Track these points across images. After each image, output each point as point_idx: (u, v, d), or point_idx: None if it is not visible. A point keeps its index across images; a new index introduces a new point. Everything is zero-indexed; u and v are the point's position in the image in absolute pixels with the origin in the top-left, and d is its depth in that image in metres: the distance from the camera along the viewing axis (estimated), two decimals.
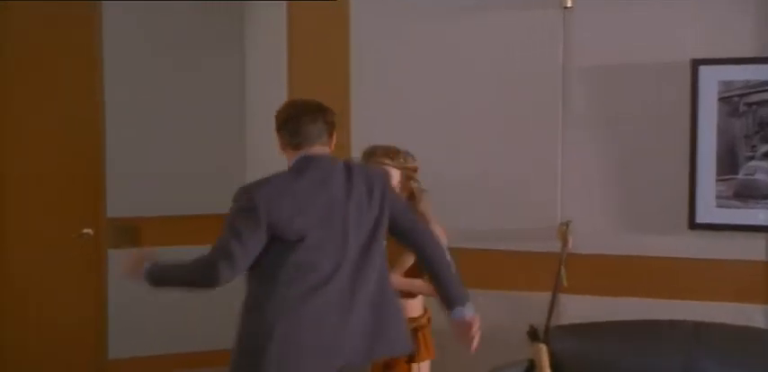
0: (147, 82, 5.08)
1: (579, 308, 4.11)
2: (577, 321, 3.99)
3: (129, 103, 5.07)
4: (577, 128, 4.17)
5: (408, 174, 3.49)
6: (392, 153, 3.49)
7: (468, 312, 3.17)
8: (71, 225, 5.08)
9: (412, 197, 3.49)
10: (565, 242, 3.97)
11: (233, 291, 3.21)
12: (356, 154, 3.85)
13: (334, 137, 3.11)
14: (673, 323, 3.85)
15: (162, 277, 3.07)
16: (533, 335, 3.81)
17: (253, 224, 2.94)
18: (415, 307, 3.59)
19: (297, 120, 3.06)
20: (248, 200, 2.96)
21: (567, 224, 4.01)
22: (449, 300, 3.16)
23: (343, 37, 4.54)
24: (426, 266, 3.19)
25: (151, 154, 5.08)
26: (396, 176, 3.47)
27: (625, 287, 4.10)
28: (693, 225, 4.04)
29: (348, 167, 3.09)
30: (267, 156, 4.85)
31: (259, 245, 2.96)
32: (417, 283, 3.52)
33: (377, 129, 4.33)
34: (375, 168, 3.24)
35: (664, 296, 4.04)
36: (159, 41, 5.11)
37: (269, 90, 4.94)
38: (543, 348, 3.76)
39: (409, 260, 3.50)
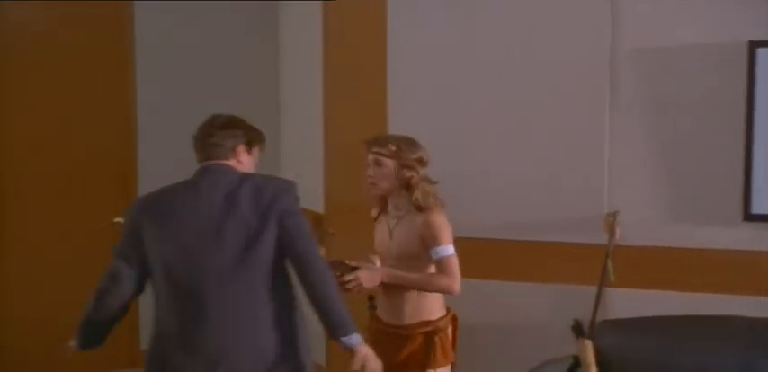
0: (178, 81, 5.13)
1: (626, 302, 4.03)
2: (624, 316, 3.90)
3: (161, 102, 5.11)
4: (626, 114, 4.06)
5: (405, 164, 3.49)
6: (386, 141, 3.50)
7: (355, 342, 3.06)
8: (104, 216, 5.10)
9: (408, 187, 3.51)
10: (612, 233, 3.90)
11: None
12: None
13: (252, 150, 3.25)
14: (726, 319, 3.73)
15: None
16: (578, 330, 3.73)
17: (127, 233, 3.14)
18: (428, 309, 3.51)
19: (200, 138, 3.24)
20: (128, 210, 3.18)
21: (614, 214, 3.93)
22: (331, 329, 3.05)
23: (379, 33, 4.49)
24: (308, 293, 3.06)
25: (183, 151, 5.06)
26: (388, 165, 3.50)
27: (675, 280, 4.00)
28: (748, 216, 3.90)
29: (242, 182, 3.13)
30: (301, 156, 5.20)
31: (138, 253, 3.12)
32: (412, 276, 3.49)
33: (415, 123, 4.26)
34: (281, 185, 3.16)
35: (716, 290, 3.94)
36: (191, 41, 5.16)
37: (303, 89, 4.96)
38: (589, 344, 3.68)
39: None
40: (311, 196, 5.08)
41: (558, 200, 4.16)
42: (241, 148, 3.22)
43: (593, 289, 3.85)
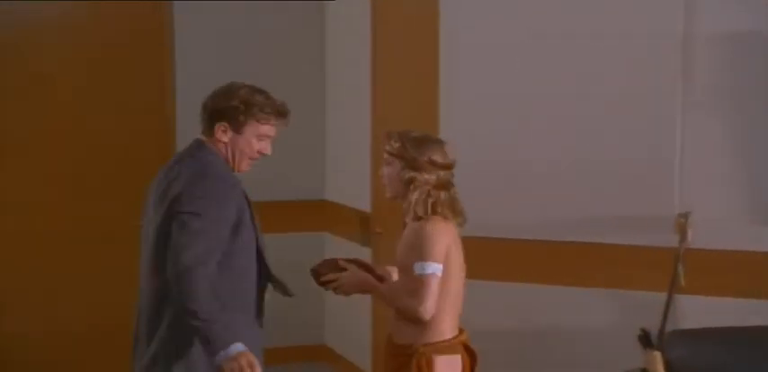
0: (219, 82, 5.07)
1: (699, 311, 3.89)
2: (696, 325, 3.76)
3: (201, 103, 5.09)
4: (700, 106, 3.92)
5: (410, 164, 3.19)
6: (394, 138, 3.23)
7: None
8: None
9: (405, 186, 3.22)
10: (683, 235, 3.75)
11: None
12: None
13: (218, 127, 3.09)
14: None
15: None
16: (646, 341, 3.58)
17: None
18: (436, 328, 3.16)
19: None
20: None
21: (685, 215, 3.78)
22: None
23: (431, 27, 4.42)
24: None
25: None
26: (395, 165, 3.22)
27: (751, 286, 3.84)
28: None
29: (176, 164, 3.11)
30: (348, 155, 5.22)
31: None
32: (381, 288, 3.23)
33: (468, 121, 4.26)
34: (192, 164, 3.06)
35: None
36: (232, 41, 5.23)
37: (351, 88, 4.98)
38: (657, 355, 3.53)
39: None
40: (358, 195, 5.09)
41: (624, 199, 4.05)
42: (220, 126, 3.09)
43: (661, 296, 3.72)
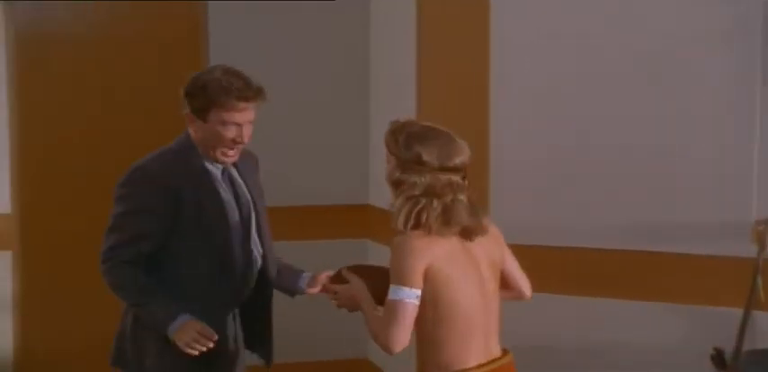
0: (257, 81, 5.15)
1: None
2: None
3: None
4: None
5: (398, 163, 2.74)
6: (389, 133, 2.80)
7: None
8: None
9: (393, 190, 2.79)
10: (762, 245, 3.59)
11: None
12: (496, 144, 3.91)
13: (186, 116, 3.03)
14: None
15: None
16: (719, 361, 3.47)
17: None
18: (452, 355, 2.74)
19: None
20: None
21: (764, 222, 3.62)
22: None
23: (481, 22, 4.31)
24: None
25: (269, 152, 5.12)
26: (389, 161, 2.78)
27: None
28: None
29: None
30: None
31: None
32: (363, 307, 2.89)
33: (523, 121, 4.13)
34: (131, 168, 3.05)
35: None
36: (270, 42, 5.17)
37: (395, 87, 4.94)
38: None
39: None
40: None
41: (695, 204, 3.89)
42: (187, 115, 3.01)
43: (737, 312, 3.58)
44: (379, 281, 2.80)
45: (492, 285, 2.78)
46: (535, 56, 4.18)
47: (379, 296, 2.76)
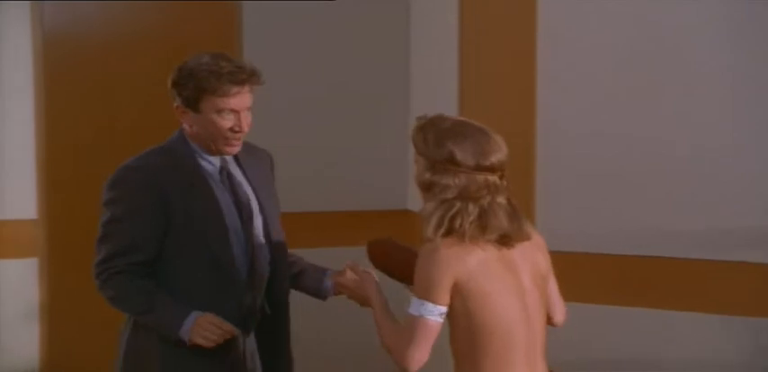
0: (290, 87, 5.08)
1: None
2: None
3: (271, 107, 4.95)
4: None
5: (427, 163, 2.50)
6: (417, 130, 2.56)
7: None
8: None
9: (424, 193, 2.55)
10: None
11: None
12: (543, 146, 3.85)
13: (176, 109, 2.87)
14: None
15: None
16: None
17: None
18: None
19: None
20: None
21: None
22: None
23: (527, 16, 4.23)
24: None
25: (286, 157, 5.13)
26: (418, 161, 2.53)
27: None
28: None
29: None
30: None
31: None
32: (377, 312, 2.66)
33: (574, 122, 4.03)
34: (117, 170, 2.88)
35: None
36: (306, 43, 5.09)
37: (436, 89, 4.87)
38: None
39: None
40: None
41: (749, 208, 3.72)
42: (177, 107, 2.83)
43: None
44: (401, 260, 2.66)
45: (535, 296, 2.53)
46: (585, 52, 4.04)
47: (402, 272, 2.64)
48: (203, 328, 2.67)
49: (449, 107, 4.61)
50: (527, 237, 2.51)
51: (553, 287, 2.65)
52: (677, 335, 3.84)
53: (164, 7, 4.95)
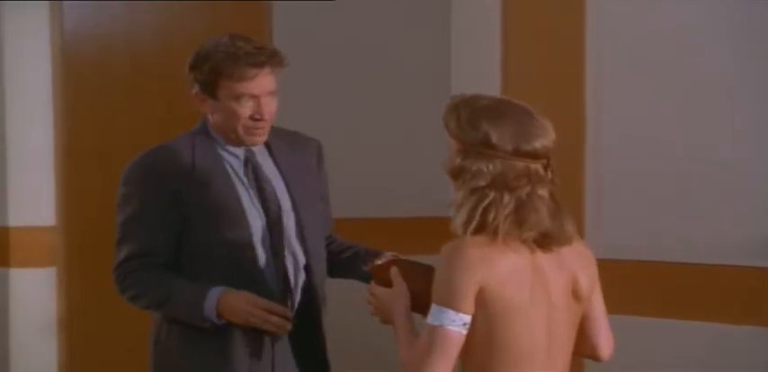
0: (322, 83, 5.09)
1: None
2: None
3: (303, 110, 4.91)
4: None
5: (461, 147, 2.21)
6: (449, 109, 2.25)
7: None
8: None
9: (455, 176, 2.24)
10: None
11: None
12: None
13: (194, 96, 2.71)
14: None
15: None
16: None
17: None
18: None
19: None
20: None
21: None
22: None
23: (576, 10, 4.14)
24: None
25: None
26: (451, 146, 2.25)
27: None
28: None
29: None
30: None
31: None
32: (398, 325, 2.31)
33: (622, 122, 3.91)
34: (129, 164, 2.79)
35: None
36: (339, 44, 5.04)
37: (478, 84, 4.60)
38: None
39: None
40: None
41: None
42: (195, 94, 2.67)
43: None
44: (423, 281, 2.24)
45: (562, 316, 2.21)
46: (638, 45, 3.92)
47: (421, 300, 2.21)
48: (239, 307, 2.50)
49: None
50: (569, 240, 2.19)
51: (599, 312, 2.31)
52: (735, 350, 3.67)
53: (190, 6, 4.91)
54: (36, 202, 4.57)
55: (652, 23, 3.95)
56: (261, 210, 2.61)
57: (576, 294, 2.21)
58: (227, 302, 2.50)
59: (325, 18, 4.93)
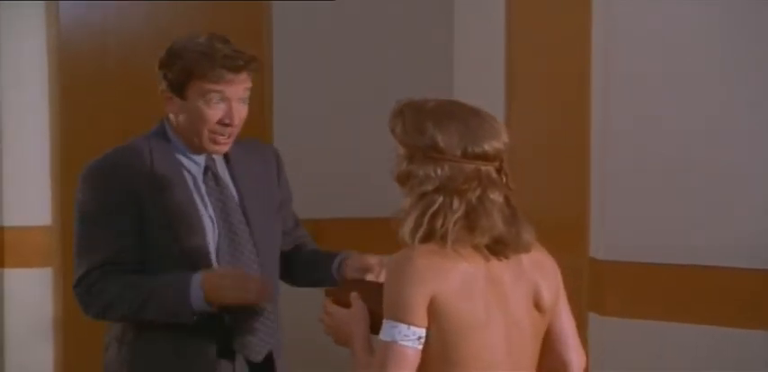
0: (321, 84, 5.05)
1: None
2: None
3: (308, 111, 5.01)
4: None
5: (406, 152, 2.14)
6: (393, 114, 2.22)
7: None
8: None
9: (403, 182, 2.16)
10: None
11: None
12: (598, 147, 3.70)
13: (161, 94, 2.60)
14: None
15: None
16: None
17: None
18: None
19: None
20: None
21: None
22: None
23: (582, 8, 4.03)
24: None
25: (316, 159, 5.01)
26: (399, 152, 2.17)
27: None
28: None
29: None
30: None
31: None
32: (355, 346, 2.19)
33: (637, 122, 3.75)
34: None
35: None
36: (339, 44, 5.00)
37: (482, 90, 4.65)
38: None
39: None
40: None
41: None
42: (164, 94, 2.54)
43: None
44: (376, 301, 2.10)
45: (523, 329, 2.10)
46: (645, 42, 3.81)
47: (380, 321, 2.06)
48: (224, 283, 2.35)
49: (494, 107, 4.48)
50: (525, 248, 2.09)
51: (567, 325, 2.19)
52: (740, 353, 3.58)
53: (189, 6, 4.89)
54: (31, 202, 4.53)
55: (659, 21, 3.87)
56: (216, 221, 2.50)
57: (537, 305, 2.11)
58: (211, 281, 2.36)
59: (325, 18, 4.90)
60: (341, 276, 2.55)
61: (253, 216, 2.54)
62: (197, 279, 2.36)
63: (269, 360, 2.56)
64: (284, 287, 2.81)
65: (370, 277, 2.48)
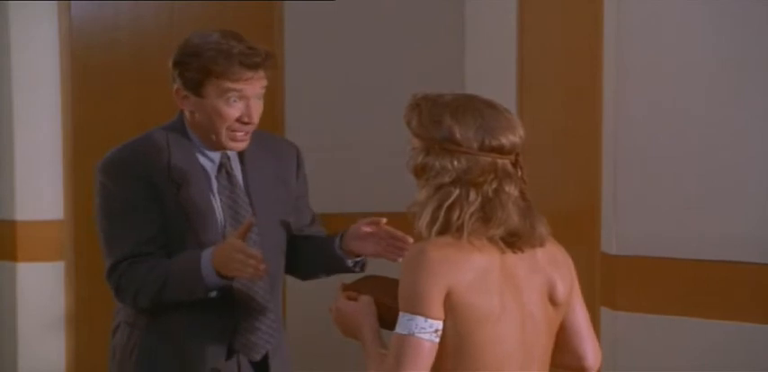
0: (332, 84, 5.07)
1: None
2: None
3: (315, 113, 5.02)
4: None
5: (424, 145, 2.13)
6: (409, 107, 2.20)
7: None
8: None
9: (419, 174, 2.15)
10: None
11: None
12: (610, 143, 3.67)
13: (176, 92, 2.57)
14: None
15: None
16: None
17: None
18: None
19: None
20: None
21: None
22: None
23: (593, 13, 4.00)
24: None
25: (330, 160, 5.00)
26: (415, 146, 2.16)
27: None
28: None
29: None
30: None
31: None
32: (367, 340, 2.20)
33: (649, 123, 3.71)
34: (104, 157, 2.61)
35: None
36: (350, 45, 4.99)
37: (493, 88, 4.54)
38: None
39: None
40: None
41: None
42: (178, 90, 2.53)
43: None
44: (392, 296, 2.09)
45: (537, 323, 2.10)
46: (658, 37, 3.77)
47: (393, 316, 2.05)
48: (229, 257, 2.34)
49: (506, 103, 4.46)
50: (540, 242, 2.09)
51: (581, 319, 2.19)
52: (755, 349, 3.52)
53: (200, 5, 4.90)
54: (44, 196, 4.54)
55: (670, 12, 3.82)
56: (225, 217, 2.51)
57: (552, 299, 2.11)
58: (221, 254, 2.37)
59: (336, 18, 4.90)
60: (343, 250, 2.57)
61: (261, 213, 2.54)
62: (207, 254, 2.38)
63: (263, 360, 2.57)
64: (289, 288, 2.80)
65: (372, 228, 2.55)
